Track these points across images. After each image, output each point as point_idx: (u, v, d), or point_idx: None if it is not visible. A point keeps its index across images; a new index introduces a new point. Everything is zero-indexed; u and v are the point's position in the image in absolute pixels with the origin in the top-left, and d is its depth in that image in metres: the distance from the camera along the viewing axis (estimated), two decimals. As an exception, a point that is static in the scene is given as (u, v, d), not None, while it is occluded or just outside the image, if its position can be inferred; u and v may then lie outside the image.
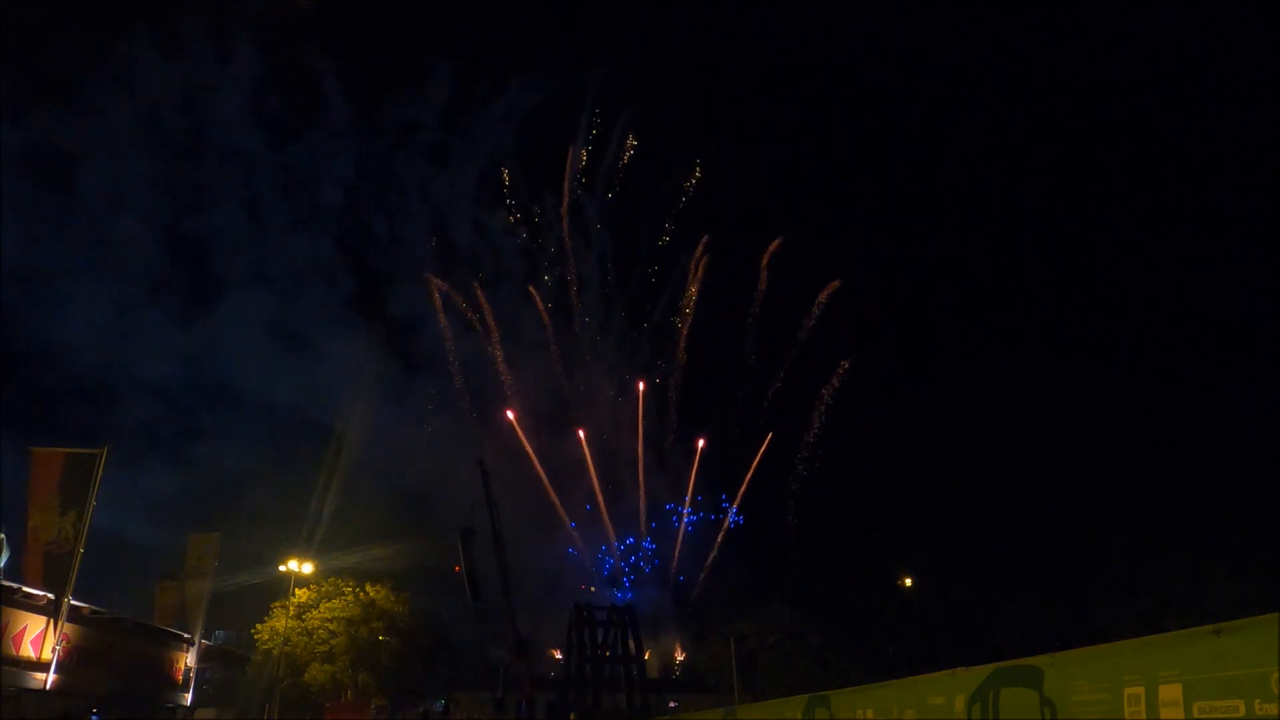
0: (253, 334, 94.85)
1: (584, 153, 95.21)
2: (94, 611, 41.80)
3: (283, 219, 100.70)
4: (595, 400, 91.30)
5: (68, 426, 79.92)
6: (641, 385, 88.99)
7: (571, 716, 47.29)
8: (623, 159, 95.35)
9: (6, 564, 36.49)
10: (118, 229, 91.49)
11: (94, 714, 37.81)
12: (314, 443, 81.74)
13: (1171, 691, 6.13)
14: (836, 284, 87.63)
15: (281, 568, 48.17)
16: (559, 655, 65.06)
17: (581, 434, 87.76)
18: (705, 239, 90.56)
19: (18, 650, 36.10)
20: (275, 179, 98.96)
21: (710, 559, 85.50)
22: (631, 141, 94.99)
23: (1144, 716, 6.36)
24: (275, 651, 48.87)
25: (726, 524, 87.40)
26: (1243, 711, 5.51)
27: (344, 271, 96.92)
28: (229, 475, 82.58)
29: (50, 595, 38.00)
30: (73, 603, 39.11)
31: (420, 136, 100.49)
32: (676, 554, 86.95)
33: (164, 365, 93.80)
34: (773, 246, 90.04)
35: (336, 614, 51.12)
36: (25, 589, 37.10)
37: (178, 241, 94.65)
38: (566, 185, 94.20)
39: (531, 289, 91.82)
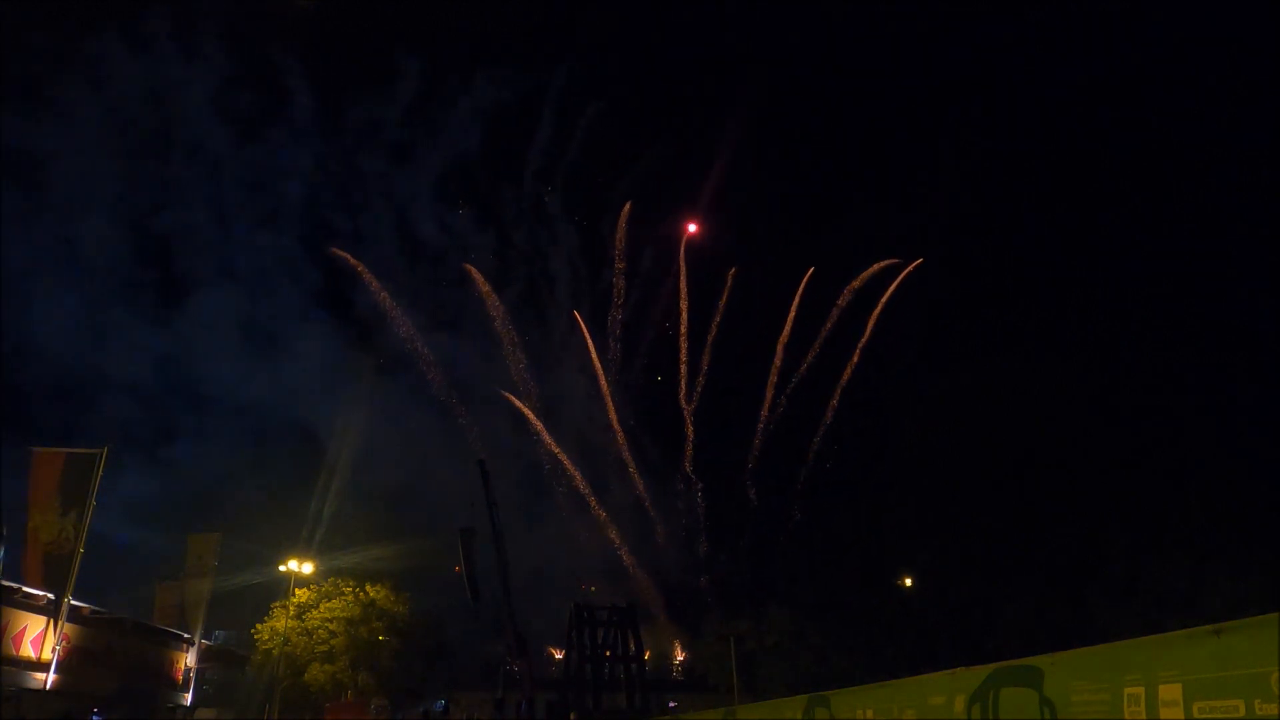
0: (223, 332, 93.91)
1: (550, 147, 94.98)
2: (94, 611, 41.82)
3: (249, 216, 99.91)
4: (569, 396, 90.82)
5: (43, 427, 78.82)
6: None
7: (571, 716, 47.32)
8: (596, 163, 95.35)
9: (1, 560, 36.43)
10: (86, 228, 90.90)
11: (94, 714, 37.83)
12: (292, 441, 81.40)
13: (1171, 691, 6.12)
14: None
15: (281, 568, 48.18)
16: (559, 655, 65.05)
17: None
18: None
19: (18, 650, 36.11)
20: (242, 176, 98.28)
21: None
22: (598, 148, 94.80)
23: (1144, 716, 6.35)
24: (275, 651, 48.80)
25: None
26: (1243, 711, 5.50)
27: (311, 268, 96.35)
28: (208, 475, 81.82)
29: (50, 595, 38.01)
30: (73, 603, 39.11)
31: (386, 133, 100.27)
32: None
33: (135, 364, 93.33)
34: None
35: (336, 614, 51.06)
36: (25, 589, 37.12)
37: (146, 240, 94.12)
38: (530, 181, 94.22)
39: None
